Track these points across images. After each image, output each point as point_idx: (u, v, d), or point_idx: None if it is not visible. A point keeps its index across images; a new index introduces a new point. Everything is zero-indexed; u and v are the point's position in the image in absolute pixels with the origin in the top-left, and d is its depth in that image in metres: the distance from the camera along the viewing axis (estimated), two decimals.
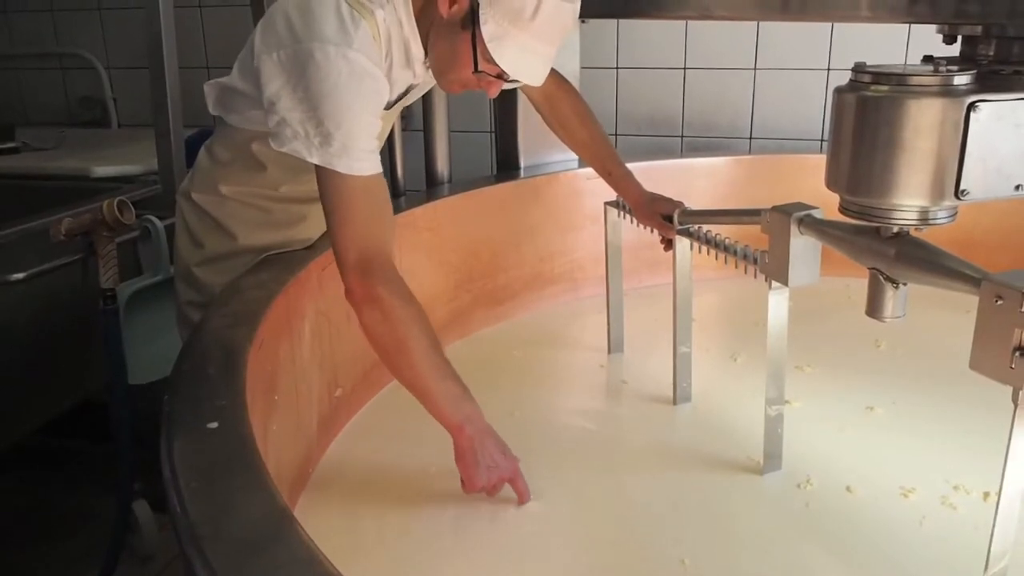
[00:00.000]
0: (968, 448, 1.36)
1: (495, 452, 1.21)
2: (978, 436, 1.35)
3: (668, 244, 1.54)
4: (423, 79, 1.37)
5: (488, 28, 1.16)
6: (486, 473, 1.20)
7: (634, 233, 1.63)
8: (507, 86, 1.29)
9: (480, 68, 1.21)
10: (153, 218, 1.93)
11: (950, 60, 1.01)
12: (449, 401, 1.19)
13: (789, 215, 1.18)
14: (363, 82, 1.16)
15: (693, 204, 1.51)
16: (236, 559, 0.71)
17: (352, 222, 1.16)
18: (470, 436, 1.19)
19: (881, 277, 1.06)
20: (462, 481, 1.22)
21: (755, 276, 1.29)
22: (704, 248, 1.44)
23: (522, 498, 1.24)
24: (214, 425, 0.92)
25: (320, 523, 1.19)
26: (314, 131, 1.14)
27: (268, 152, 1.36)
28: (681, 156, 2.51)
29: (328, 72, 1.13)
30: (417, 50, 1.29)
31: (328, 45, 1.13)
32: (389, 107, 1.33)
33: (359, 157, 1.15)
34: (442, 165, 2.15)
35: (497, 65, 1.20)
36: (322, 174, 1.17)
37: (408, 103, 1.47)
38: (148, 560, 2.06)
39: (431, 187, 2.13)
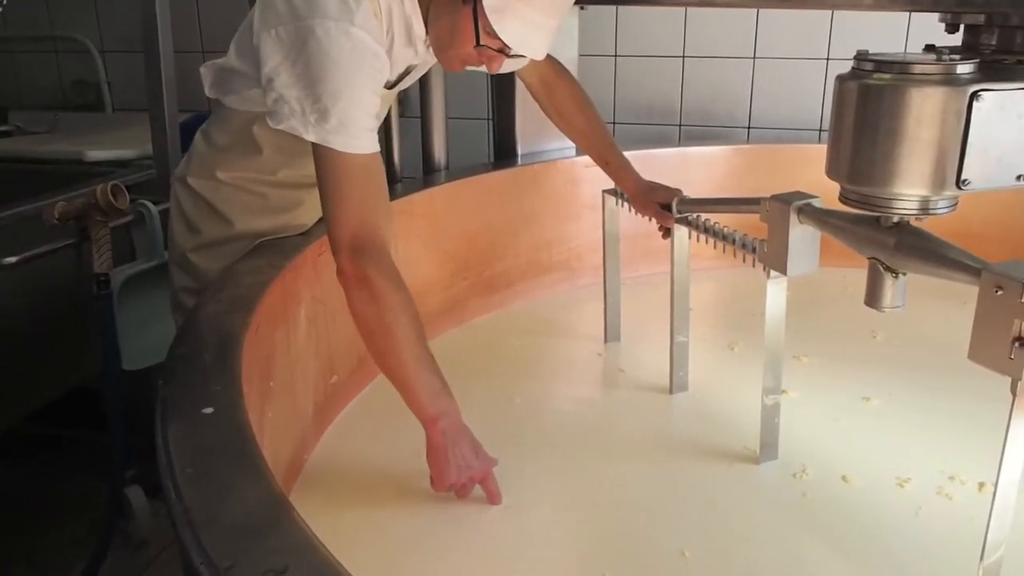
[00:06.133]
0: (964, 439, 1.36)
1: (467, 451, 1.19)
2: (974, 427, 1.36)
3: (666, 233, 1.53)
4: (423, 58, 1.36)
5: (490, 1, 1.16)
6: (456, 472, 1.18)
7: (632, 222, 1.63)
8: (507, 64, 1.28)
9: (482, 42, 1.20)
10: (147, 203, 1.92)
11: (952, 49, 1.01)
12: (427, 393, 1.16)
13: (788, 204, 1.18)
14: (364, 58, 1.14)
15: (691, 193, 1.51)
16: (232, 545, 0.70)
17: (347, 200, 1.15)
18: (443, 431, 1.17)
19: (880, 267, 1.05)
20: (431, 478, 1.19)
21: (753, 265, 1.29)
22: (702, 237, 1.44)
23: (492, 499, 1.21)
24: (209, 411, 0.92)
25: (315, 510, 1.17)
26: (311, 108, 1.13)
27: (267, 135, 1.35)
28: (679, 145, 2.50)
29: (329, 48, 1.12)
30: (419, 28, 1.28)
31: (329, 21, 1.12)
32: (389, 87, 1.31)
33: (356, 135, 1.14)
34: (439, 152, 2.14)
35: (499, 38, 1.19)
36: (318, 152, 1.15)
37: (405, 86, 1.46)
38: (142, 546, 2.06)
39: (428, 174, 2.12)
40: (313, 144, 1.15)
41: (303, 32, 1.13)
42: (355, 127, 1.14)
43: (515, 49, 1.21)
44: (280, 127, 1.16)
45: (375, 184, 1.18)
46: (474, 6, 1.17)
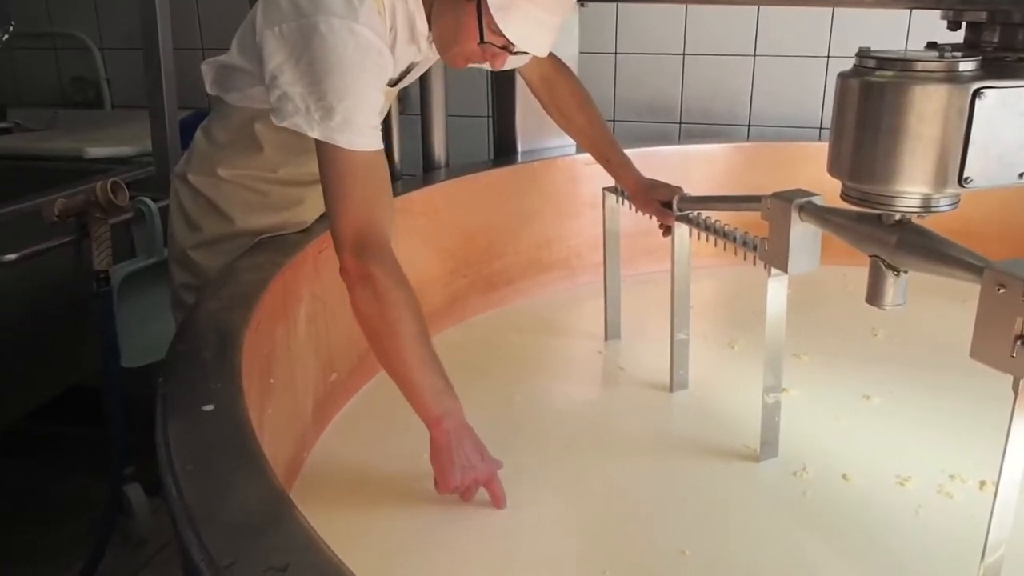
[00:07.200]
0: (965, 437, 1.36)
1: (472, 452, 1.17)
2: (975, 425, 1.36)
3: (666, 230, 1.53)
4: (426, 55, 1.36)
5: None
6: (461, 473, 1.16)
7: (632, 219, 1.62)
8: (510, 61, 1.28)
9: (486, 39, 1.20)
10: (147, 200, 1.91)
11: (954, 47, 1.01)
12: (431, 393, 1.15)
13: (790, 202, 1.18)
14: (368, 56, 1.14)
15: (691, 191, 1.50)
16: (233, 542, 0.70)
17: (351, 198, 1.14)
18: (447, 431, 1.16)
19: (882, 265, 1.05)
20: (435, 480, 1.18)
21: (754, 263, 1.29)
22: (703, 234, 1.44)
23: (497, 503, 1.19)
24: (209, 408, 0.91)
25: (315, 507, 1.16)
26: (315, 105, 1.13)
27: (268, 133, 1.35)
28: (679, 143, 2.50)
29: (333, 45, 1.12)
30: (422, 25, 1.27)
31: (333, 18, 1.12)
32: (392, 85, 1.31)
33: (361, 132, 1.14)
34: (439, 149, 2.13)
35: (503, 35, 1.19)
36: (322, 149, 1.15)
37: (407, 83, 1.46)
38: (141, 544, 2.05)
39: (427, 171, 2.12)
40: (316, 141, 1.15)
41: (307, 29, 1.12)
42: (359, 124, 1.13)
43: (519, 46, 1.21)
44: (284, 124, 1.16)
45: (378, 181, 1.18)
46: (478, 3, 1.17)
